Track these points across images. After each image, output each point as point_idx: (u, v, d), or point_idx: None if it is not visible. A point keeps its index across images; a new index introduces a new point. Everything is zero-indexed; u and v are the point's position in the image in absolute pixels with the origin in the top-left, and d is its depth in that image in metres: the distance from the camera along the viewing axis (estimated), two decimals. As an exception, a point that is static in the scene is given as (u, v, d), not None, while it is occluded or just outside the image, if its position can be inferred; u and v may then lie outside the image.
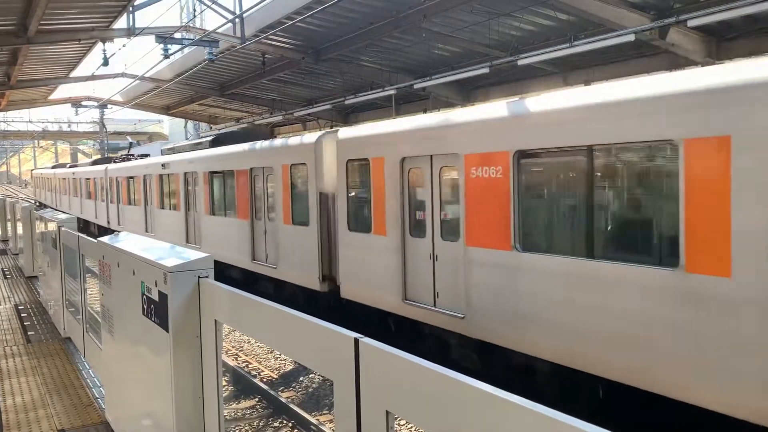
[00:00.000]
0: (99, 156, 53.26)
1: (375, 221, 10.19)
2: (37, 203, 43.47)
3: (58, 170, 41.42)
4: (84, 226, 30.55)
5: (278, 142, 13.73)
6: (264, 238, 13.96)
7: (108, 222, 26.50)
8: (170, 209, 19.35)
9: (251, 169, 14.30)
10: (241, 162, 14.77)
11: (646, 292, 6.18)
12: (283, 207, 13.02)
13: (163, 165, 19.63)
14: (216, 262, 15.80)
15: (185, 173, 17.94)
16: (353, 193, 10.92)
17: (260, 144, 14.27)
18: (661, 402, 6.29)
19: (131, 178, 23.27)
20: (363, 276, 10.59)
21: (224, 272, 15.89)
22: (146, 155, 27.20)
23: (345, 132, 11.24)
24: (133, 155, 27.52)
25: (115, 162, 27.85)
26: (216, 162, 16.18)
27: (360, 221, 10.75)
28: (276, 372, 11.18)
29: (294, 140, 13.05)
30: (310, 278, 12.20)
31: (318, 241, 11.88)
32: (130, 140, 32.50)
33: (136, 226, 22.58)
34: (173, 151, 20.52)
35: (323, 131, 12.20)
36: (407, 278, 9.59)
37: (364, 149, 10.49)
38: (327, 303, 12.33)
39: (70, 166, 40.25)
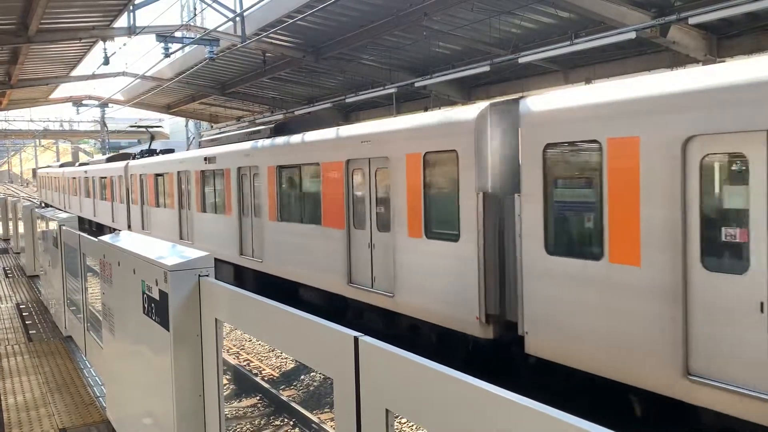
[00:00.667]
0: (101, 155, 52.99)
1: (615, 241, 6.53)
2: (43, 204, 42.82)
3: (66, 168, 38.88)
4: (97, 230, 28.56)
5: (398, 122, 9.95)
6: (369, 255, 10.44)
7: (129, 227, 23.40)
8: (216, 213, 15.92)
9: (348, 161, 10.78)
10: (330, 152, 11.27)
11: None
12: (408, 213, 9.44)
13: (206, 159, 16.30)
14: (286, 282, 12.75)
15: (239, 168, 14.64)
16: (559, 196, 7.27)
17: (364, 127, 10.71)
18: None
19: (160, 175, 19.90)
20: (581, 327, 6.86)
21: (299, 295, 12.89)
22: (170, 150, 24.30)
23: (538, 102, 7.44)
24: (155, 150, 24.37)
25: (136, 158, 24.59)
26: (288, 153, 12.73)
27: (576, 240, 7.19)
28: (277, 370, 11.19)
29: (430, 118, 9.29)
30: (459, 317, 8.55)
31: (479, 264, 8.18)
32: (152, 133, 27.45)
33: (166, 231, 19.27)
34: (217, 142, 17.21)
35: (487, 103, 8.50)
36: (695, 340, 5.92)
37: (588, 125, 6.78)
38: (489, 354, 8.79)
39: (80, 164, 37.61)
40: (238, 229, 14.74)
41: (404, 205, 9.54)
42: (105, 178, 27.25)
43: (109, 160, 29.20)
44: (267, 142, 13.75)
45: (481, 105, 8.43)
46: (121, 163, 24.70)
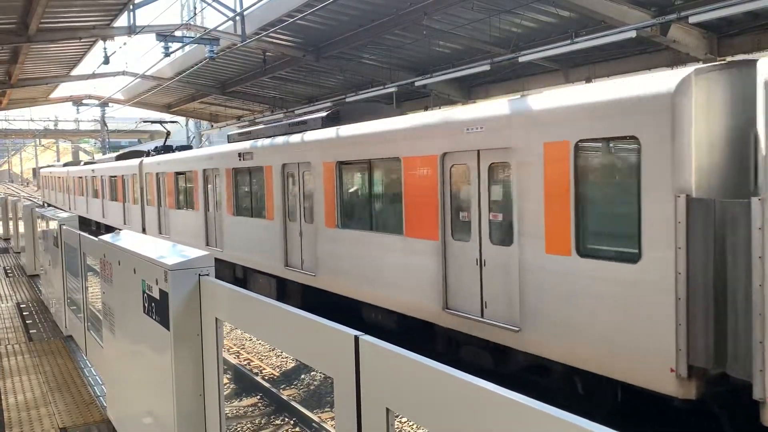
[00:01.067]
0: (101, 154, 52.90)
1: None
2: (46, 205, 42.47)
3: (71, 167, 37.35)
4: (106, 233, 27.21)
5: (528, 101, 7.50)
6: (478, 275, 8.15)
7: (144, 230, 21.51)
8: (252, 216, 13.98)
9: (445, 155, 8.57)
10: (416, 144, 9.04)
11: None
12: (546, 222, 7.12)
13: (240, 155, 14.37)
14: (345, 300, 11.14)
15: (284, 165, 12.65)
16: None
17: (469, 111, 8.34)
18: None
19: (181, 174, 17.99)
20: None
21: (364, 317, 10.68)
22: (188, 147, 22.53)
23: None
24: (172, 147, 22.55)
25: (150, 155, 22.57)
26: (352, 146, 10.54)
27: None
28: (277, 370, 11.19)
29: (589, 93, 6.71)
30: (640, 366, 6.20)
31: (679, 296, 5.83)
32: (167, 129, 25.09)
33: (189, 236, 17.32)
34: (253, 135, 15.05)
35: (689, 69, 5.96)
36: None
37: None
38: (683, 418, 6.76)
39: (86, 163, 36.17)
40: (282, 236, 12.71)
41: (539, 211, 7.18)
42: (116, 177, 25.22)
43: (120, 157, 27.43)
44: (319, 133, 11.56)
45: (680, 72, 5.95)
46: (135, 161, 22.72)
